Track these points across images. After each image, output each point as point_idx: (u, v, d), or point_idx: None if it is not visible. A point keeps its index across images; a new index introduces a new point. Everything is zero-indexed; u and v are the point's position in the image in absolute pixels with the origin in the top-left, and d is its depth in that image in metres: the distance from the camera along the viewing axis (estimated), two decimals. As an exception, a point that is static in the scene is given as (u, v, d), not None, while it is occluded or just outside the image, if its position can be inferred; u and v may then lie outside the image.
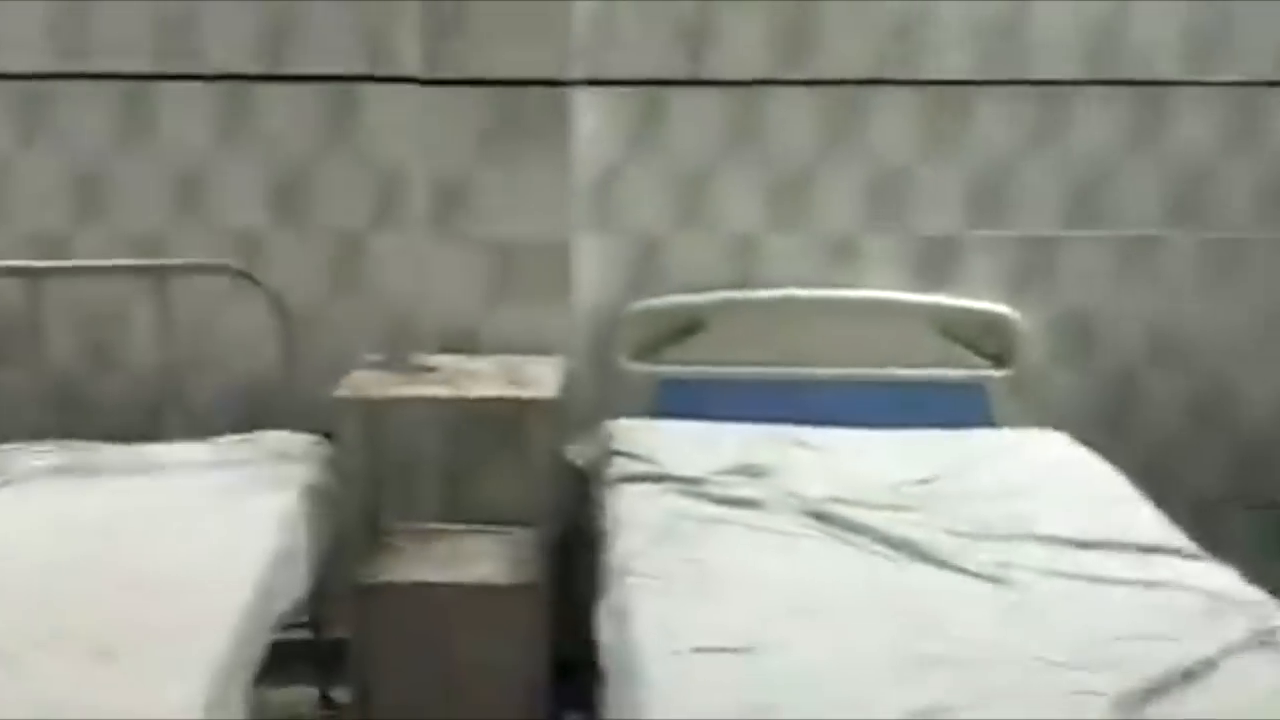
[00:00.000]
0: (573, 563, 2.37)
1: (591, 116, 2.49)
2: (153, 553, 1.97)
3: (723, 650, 1.64)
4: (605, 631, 1.83)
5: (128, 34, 2.47)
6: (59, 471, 2.32)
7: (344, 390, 2.30)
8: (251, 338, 2.54)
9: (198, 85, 2.50)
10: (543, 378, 2.36)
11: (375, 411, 2.41)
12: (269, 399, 2.56)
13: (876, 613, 1.78)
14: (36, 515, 2.13)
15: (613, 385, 2.60)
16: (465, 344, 2.53)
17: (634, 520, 2.07)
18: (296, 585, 2.05)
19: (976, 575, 1.91)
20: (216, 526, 2.07)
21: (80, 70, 2.49)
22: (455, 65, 2.40)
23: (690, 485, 2.19)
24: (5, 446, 2.37)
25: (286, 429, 2.48)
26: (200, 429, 2.49)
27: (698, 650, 1.64)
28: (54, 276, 2.45)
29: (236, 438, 2.47)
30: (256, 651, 1.78)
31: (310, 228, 2.57)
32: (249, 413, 2.56)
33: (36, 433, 2.44)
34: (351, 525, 2.36)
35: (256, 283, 2.43)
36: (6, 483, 2.27)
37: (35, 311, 2.43)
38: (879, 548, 2.01)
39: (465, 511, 2.57)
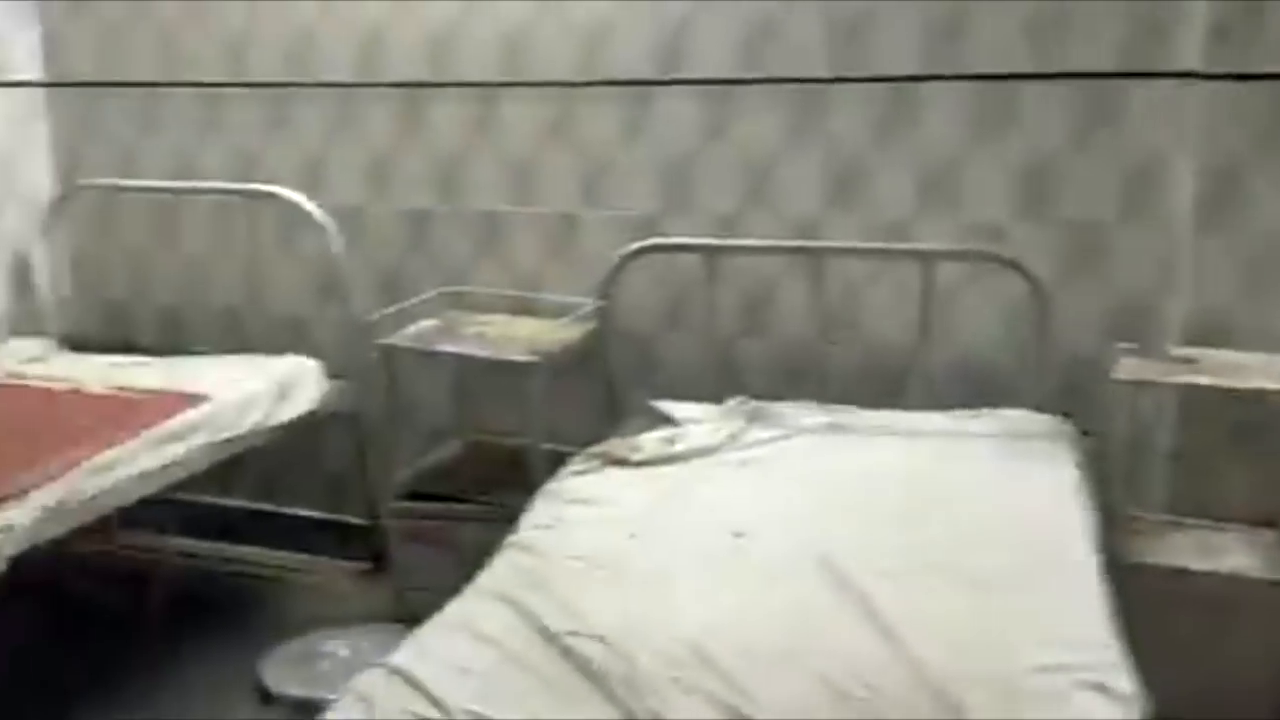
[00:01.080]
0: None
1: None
2: (965, 502, 2.19)
3: None
4: None
5: (898, 42, 2.71)
6: (829, 428, 2.63)
7: (1120, 374, 2.39)
8: (990, 319, 2.73)
9: (955, 85, 2.70)
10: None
11: (1126, 397, 2.48)
12: (996, 376, 2.75)
13: None
14: (837, 463, 2.43)
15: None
16: (1214, 338, 2.54)
17: None
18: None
19: None
20: (1014, 488, 2.24)
21: (849, 75, 2.78)
22: (1242, 59, 2.40)
23: None
24: (779, 406, 2.73)
25: (1015, 407, 2.63)
26: (931, 401, 2.71)
27: None
28: (826, 255, 2.79)
29: (970, 411, 2.66)
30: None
31: (1055, 217, 2.69)
32: (975, 388, 2.75)
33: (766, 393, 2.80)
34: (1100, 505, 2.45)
35: (1020, 269, 2.59)
36: (788, 435, 2.61)
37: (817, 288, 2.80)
38: None
39: (1193, 505, 2.59)
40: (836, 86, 2.78)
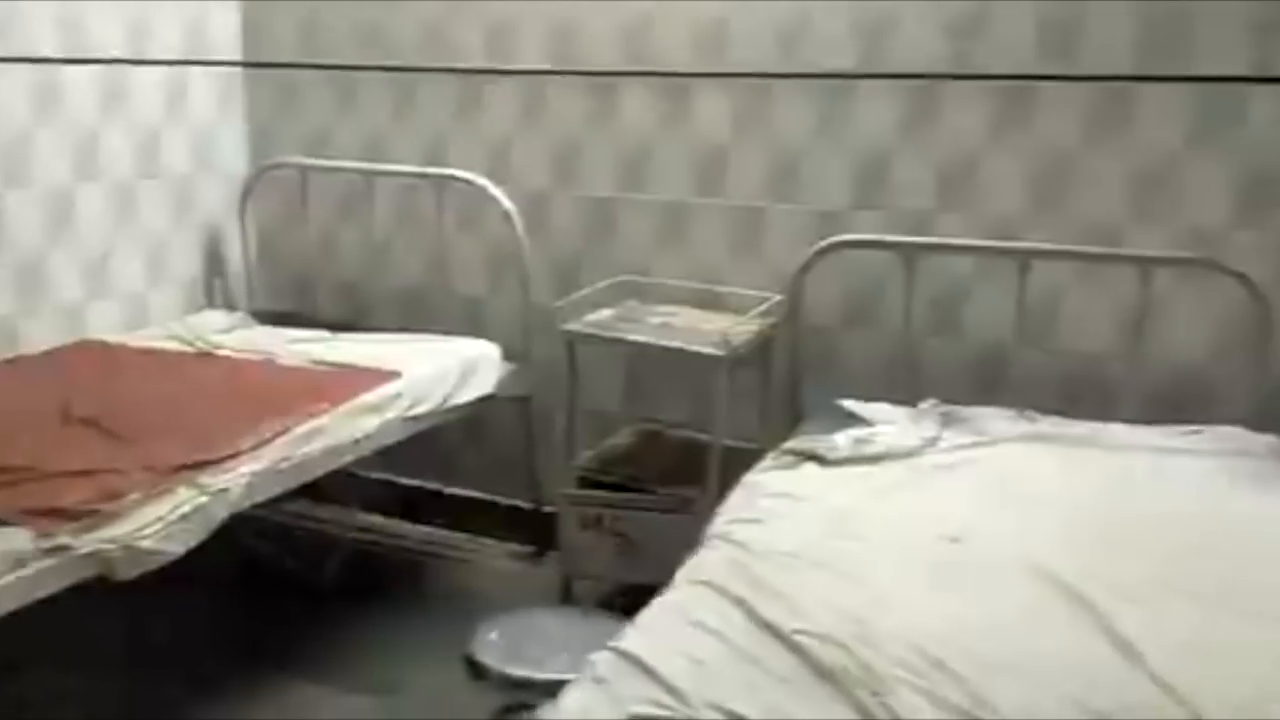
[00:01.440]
0: None
1: None
2: (1191, 519, 2.10)
3: None
4: None
5: (1112, 40, 2.62)
6: (1033, 437, 2.53)
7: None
8: (1201, 328, 2.63)
9: (1175, 86, 2.59)
10: None
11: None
12: (1205, 388, 2.64)
13: None
14: (1046, 473, 2.34)
15: None
16: None
17: None
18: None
19: None
20: (1238, 508, 2.14)
21: (1061, 73, 2.69)
22: None
23: None
24: (973, 410, 2.64)
25: (1225, 422, 2.52)
26: (1136, 411, 2.61)
27: None
28: (1031, 257, 2.70)
29: (1181, 427, 2.55)
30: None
31: (1274, 224, 2.56)
32: (1182, 399, 2.65)
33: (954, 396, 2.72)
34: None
35: (1244, 279, 2.47)
36: (991, 442, 2.52)
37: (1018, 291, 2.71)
38: None
39: None
40: (1044, 84, 2.70)
